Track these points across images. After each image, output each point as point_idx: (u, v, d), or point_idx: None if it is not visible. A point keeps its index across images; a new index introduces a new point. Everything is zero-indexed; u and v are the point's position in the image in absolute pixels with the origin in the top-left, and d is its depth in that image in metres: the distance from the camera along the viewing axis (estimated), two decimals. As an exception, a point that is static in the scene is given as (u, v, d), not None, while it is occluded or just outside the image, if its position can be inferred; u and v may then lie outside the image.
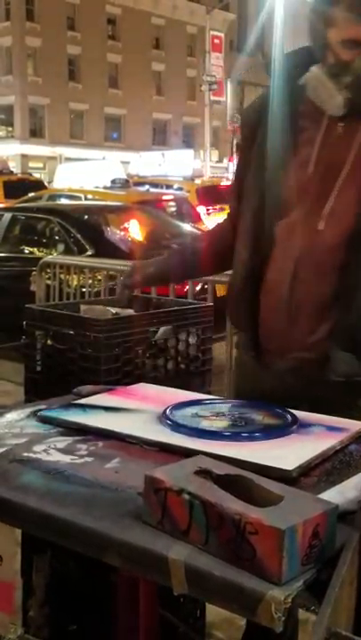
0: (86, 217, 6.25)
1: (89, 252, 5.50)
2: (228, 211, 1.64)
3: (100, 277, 4.46)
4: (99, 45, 40.00)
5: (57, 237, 5.95)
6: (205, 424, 1.27)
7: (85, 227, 5.94)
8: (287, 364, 1.42)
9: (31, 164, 36.37)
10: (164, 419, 1.27)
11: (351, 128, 1.36)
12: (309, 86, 1.37)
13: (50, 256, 5.16)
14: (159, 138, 43.24)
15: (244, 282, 1.46)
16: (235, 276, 1.52)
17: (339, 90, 1.31)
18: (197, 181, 14.41)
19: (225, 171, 30.63)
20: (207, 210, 11.89)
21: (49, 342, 2.33)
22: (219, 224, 1.70)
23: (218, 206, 12.31)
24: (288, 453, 1.12)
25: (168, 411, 1.30)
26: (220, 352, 3.41)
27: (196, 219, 9.99)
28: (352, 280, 1.35)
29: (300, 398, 1.34)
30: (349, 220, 1.35)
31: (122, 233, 5.99)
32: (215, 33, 28.49)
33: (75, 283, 4.59)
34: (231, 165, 30.28)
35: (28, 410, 1.39)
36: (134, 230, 6.10)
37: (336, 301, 1.37)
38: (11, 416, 1.36)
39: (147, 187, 12.79)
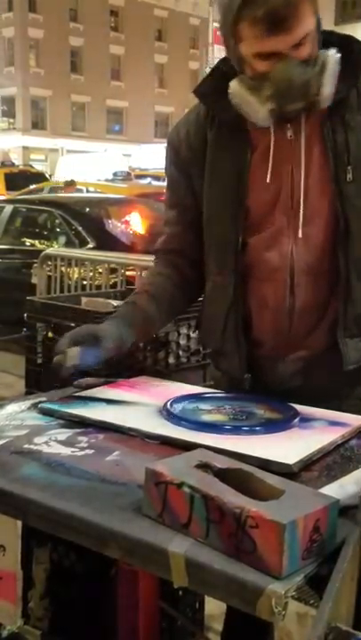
0: (88, 209, 6.24)
1: (90, 245, 5.50)
2: (169, 237, 1.52)
3: (101, 270, 4.46)
4: (101, 37, 39.91)
5: (58, 230, 5.95)
6: (206, 417, 1.26)
7: (87, 219, 5.94)
8: (292, 367, 1.41)
9: (33, 156, 36.33)
10: (164, 412, 1.27)
11: (298, 131, 1.33)
12: (233, 102, 1.31)
13: (51, 248, 5.15)
14: (161, 130, 43.12)
15: (230, 306, 1.42)
16: (217, 304, 1.45)
17: (261, 103, 1.28)
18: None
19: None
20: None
21: (50, 335, 2.33)
22: (162, 264, 1.54)
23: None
24: (289, 447, 1.12)
25: (169, 404, 1.30)
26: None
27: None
28: (346, 274, 1.35)
29: (307, 397, 1.34)
30: (327, 220, 1.34)
31: (123, 226, 5.98)
32: (218, 25, 28.38)
33: (76, 275, 4.58)
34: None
35: (29, 402, 1.39)
36: (136, 223, 6.09)
37: (333, 297, 1.37)
38: (11, 408, 1.36)
39: (148, 179, 12.76)
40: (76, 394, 1.41)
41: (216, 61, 1.51)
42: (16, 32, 37.55)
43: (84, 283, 4.49)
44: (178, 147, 1.47)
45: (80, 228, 5.73)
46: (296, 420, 1.24)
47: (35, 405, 1.36)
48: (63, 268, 4.59)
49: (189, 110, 1.50)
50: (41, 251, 4.88)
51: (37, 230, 6.23)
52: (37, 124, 39.23)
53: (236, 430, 1.19)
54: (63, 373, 1.34)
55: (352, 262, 1.35)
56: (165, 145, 1.52)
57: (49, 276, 4.64)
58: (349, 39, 1.34)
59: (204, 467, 0.94)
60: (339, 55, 1.27)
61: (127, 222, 6.05)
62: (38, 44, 38.55)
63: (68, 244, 5.64)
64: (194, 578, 0.83)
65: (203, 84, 1.43)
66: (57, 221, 5.97)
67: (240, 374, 1.45)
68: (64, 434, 1.21)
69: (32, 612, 1.42)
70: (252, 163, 1.36)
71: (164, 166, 1.58)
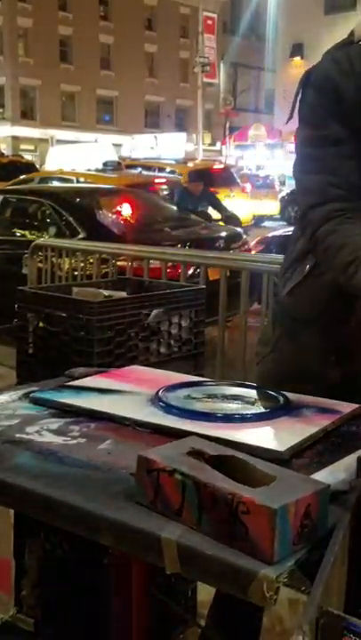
0: (78, 200, 6.22)
1: (81, 235, 5.48)
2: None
3: (91, 260, 4.44)
4: (90, 26, 39.55)
5: (49, 220, 5.92)
6: (198, 406, 1.27)
7: (77, 209, 5.91)
8: None
9: (22, 147, 36.09)
10: (156, 401, 1.28)
11: None
12: None
13: (42, 239, 5.14)
14: (152, 120, 42.93)
15: None
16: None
17: None
18: (190, 164, 14.35)
19: (218, 154, 30.50)
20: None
21: (41, 325, 2.33)
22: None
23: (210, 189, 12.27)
24: (280, 435, 1.13)
25: (161, 393, 1.30)
26: (213, 335, 3.41)
27: (188, 202, 9.94)
28: None
29: None
30: None
31: (114, 216, 5.96)
32: (208, 14, 28.16)
33: (67, 266, 4.57)
34: (224, 148, 30.14)
35: (21, 392, 1.39)
36: (126, 213, 6.07)
37: None
38: (3, 398, 1.36)
39: (139, 169, 12.74)
40: (68, 383, 1.42)
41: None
42: (4, 21, 37.14)
43: (75, 273, 4.48)
44: (339, 81, 1.27)
45: (71, 219, 5.70)
46: (287, 407, 1.25)
47: (26, 395, 1.36)
48: (54, 259, 4.57)
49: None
50: (31, 241, 4.86)
51: (28, 221, 6.19)
52: (27, 114, 38.92)
53: (227, 418, 1.20)
54: None
55: None
56: (312, 79, 1.30)
57: (40, 267, 4.62)
58: None
59: (196, 454, 0.94)
60: None
61: (118, 212, 6.03)
62: (27, 34, 38.17)
63: (59, 234, 5.62)
64: (186, 564, 0.84)
65: None
66: (47, 212, 5.94)
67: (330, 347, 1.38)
68: (56, 423, 1.21)
69: (25, 601, 1.42)
70: None
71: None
